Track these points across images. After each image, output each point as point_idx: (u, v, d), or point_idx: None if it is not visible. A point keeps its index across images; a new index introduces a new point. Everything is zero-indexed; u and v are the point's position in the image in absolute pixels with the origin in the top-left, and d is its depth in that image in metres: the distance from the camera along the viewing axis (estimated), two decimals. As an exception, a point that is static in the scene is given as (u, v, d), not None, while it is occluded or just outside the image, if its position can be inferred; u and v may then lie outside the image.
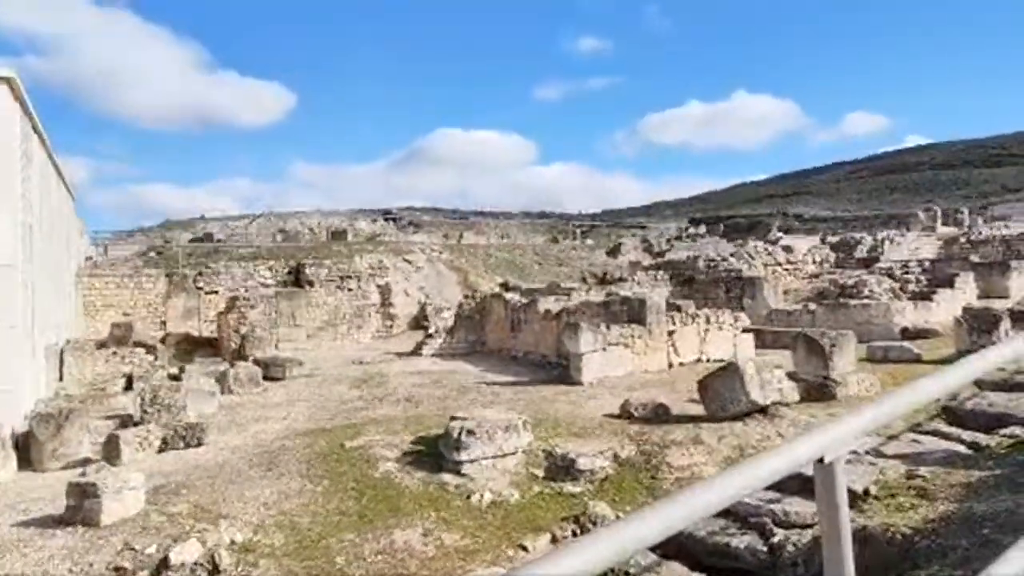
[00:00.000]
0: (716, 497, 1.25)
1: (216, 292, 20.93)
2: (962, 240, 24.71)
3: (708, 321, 14.03)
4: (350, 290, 20.72)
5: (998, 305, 17.31)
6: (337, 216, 60.65)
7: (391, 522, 6.38)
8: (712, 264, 21.74)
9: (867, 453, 7.65)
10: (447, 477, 7.30)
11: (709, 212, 79.43)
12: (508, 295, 18.78)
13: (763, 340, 15.67)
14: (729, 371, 8.55)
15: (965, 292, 17.14)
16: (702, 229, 69.40)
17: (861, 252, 24.18)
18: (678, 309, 17.80)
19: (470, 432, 7.37)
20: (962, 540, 4.00)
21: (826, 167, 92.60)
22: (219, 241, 30.54)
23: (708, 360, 13.63)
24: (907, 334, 15.74)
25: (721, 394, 8.69)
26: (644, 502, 6.94)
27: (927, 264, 19.65)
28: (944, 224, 31.71)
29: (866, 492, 6.18)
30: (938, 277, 18.20)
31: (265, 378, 13.72)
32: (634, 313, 13.74)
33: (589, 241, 63.76)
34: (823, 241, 28.85)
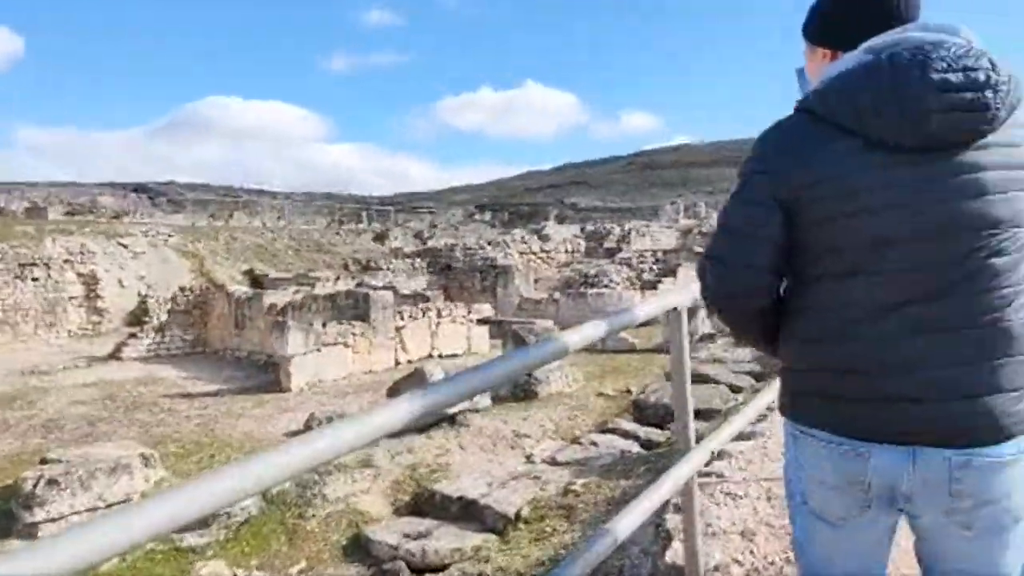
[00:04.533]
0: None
1: None
2: (695, 232, 27.09)
3: (440, 315, 13.29)
4: (35, 280, 16.98)
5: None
6: (76, 190, 51.91)
7: None
8: (470, 253, 21.32)
9: (543, 461, 7.22)
10: (17, 545, 5.46)
11: (501, 199, 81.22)
12: (233, 287, 16.58)
13: (504, 331, 15.41)
14: (415, 377, 7.68)
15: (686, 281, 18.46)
16: (488, 216, 70.57)
17: (611, 242, 25.40)
18: (426, 299, 16.98)
19: (52, 482, 5.58)
20: None
21: (603, 160, 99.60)
22: None
23: (440, 356, 12.90)
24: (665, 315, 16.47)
25: (408, 403, 7.82)
26: (277, 551, 5.73)
27: (660, 254, 20.97)
28: (686, 217, 34.88)
29: (517, 516, 5.52)
30: (668, 267, 19.39)
31: None
32: (359, 308, 12.53)
33: (375, 225, 61.48)
34: (582, 231, 30.03)
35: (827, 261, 1.18)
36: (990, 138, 1.10)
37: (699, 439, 2.23)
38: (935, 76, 1.07)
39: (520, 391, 9.27)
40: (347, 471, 6.73)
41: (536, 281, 20.48)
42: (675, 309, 2.04)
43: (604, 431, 7.90)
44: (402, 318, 12.70)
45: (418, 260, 21.59)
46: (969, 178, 1.10)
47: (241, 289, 16.20)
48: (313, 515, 6.10)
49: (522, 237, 22.64)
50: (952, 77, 1.07)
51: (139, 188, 64.77)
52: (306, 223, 55.33)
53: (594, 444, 7.40)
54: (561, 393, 9.43)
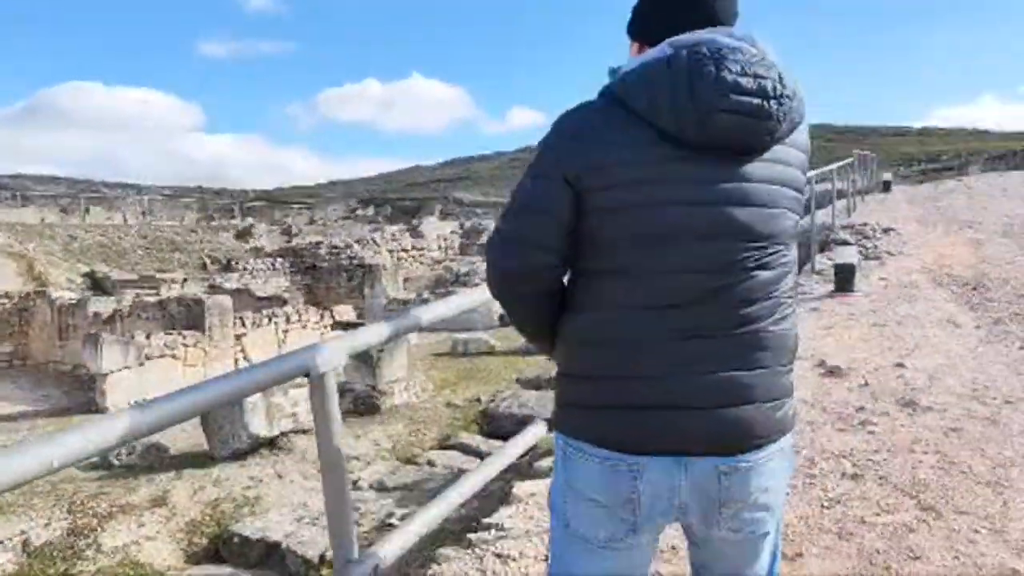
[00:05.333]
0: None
1: None
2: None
3: (289, 320, 12.33)
4: None
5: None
6: None
7: None
8: (336, 251, 20.25)
9: (370, 487, 6.64)
10: None
11: (387, 193, 79.20)
12: (57, 293, 14.71)
13: (365, 335, 14.63)
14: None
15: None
16: (371, 211, 68.62)
17: (487, 237, 25.10)
18: (283, 303, 15.83)
19: None
20: None
21: (490, 155, 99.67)
22: None
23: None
24: (504, 322, 16.19)
25: (223, 427, 6.95)
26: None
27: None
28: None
29: (322, 560, 4.92)
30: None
31: None
32: (192, 315, 11.35)
33: (250, 220, 58.10)
34: (462, 227, 29.54)
35: (602, 255, 1.16)
36: (767, 152, 1.13)
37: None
38: (728, 77, 1.09)
39: (361, 404, 8.62)
40: (132, 512, 5.83)
41: (406, 280, 19.78)
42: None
43: (446, 447, 7.43)
44: (243, 325, 11.64)
45: (279, 260, 20.24)
46: (742, 186, 1.12)
47: (65, 295, 14.39)
48: (81, 571, 5.18)
49: (392, 234, 21.81)
50: (744, 81, 1.09)
51: (-23, 180, 58.25)
52: (173, 219, 51.55)
53: (431, 464, 6.90)
54: (408, 405, 8.86)
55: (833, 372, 4.35)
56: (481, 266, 19.73)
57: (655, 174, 1.11)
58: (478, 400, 8.90)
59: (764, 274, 1.14)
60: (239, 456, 6.83)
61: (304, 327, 12.53)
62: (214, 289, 17.99)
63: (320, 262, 20.30)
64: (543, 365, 8.92)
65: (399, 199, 72.82)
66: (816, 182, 9.29)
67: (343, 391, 8.92)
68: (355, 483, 6.59)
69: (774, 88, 1.11)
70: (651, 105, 1.11)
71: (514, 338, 13.57)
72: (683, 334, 1.12)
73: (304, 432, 7.10)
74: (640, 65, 1.16)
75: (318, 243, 20.96)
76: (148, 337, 10.38)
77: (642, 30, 1.27)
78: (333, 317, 12.90)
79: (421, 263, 21.77)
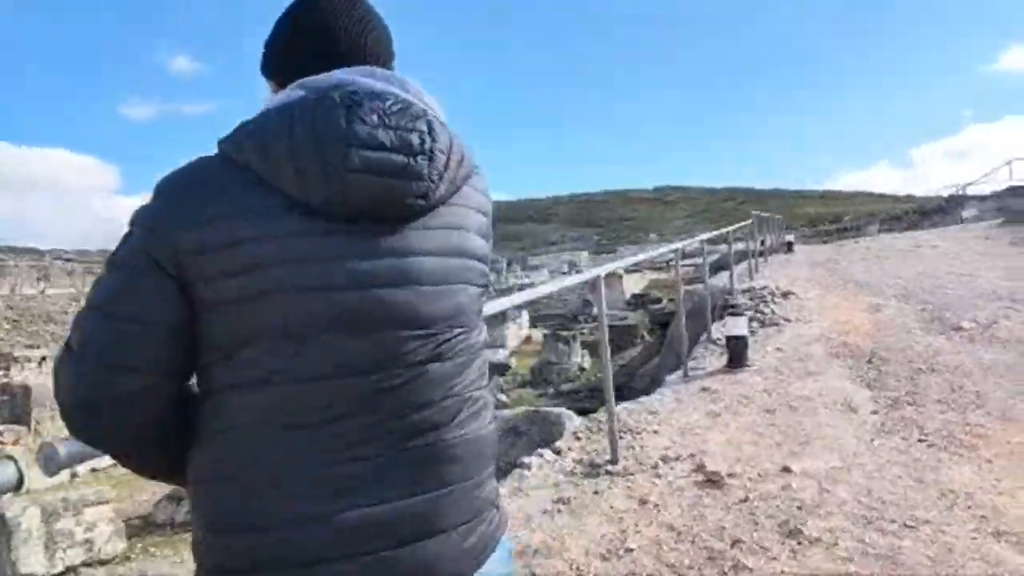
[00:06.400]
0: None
1: None
2: (491, 288, 26.77)
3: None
4: None
5: (496, 356, 18.22)
6: None
7: None
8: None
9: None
10: None
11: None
12: None
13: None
14: None
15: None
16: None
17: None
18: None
19: None
20: None
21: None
22: None
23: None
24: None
25: None
26: None
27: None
28: (485, 273, 34.74)
29: None
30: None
31: None
32: (16, 406, 9.78)
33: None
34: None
35: (228, 363, 0.89)
36: (430, 217, 0.95)
37: None
38: (361, 129, 0.90)
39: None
40: None
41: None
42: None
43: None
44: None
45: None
46: (399, 262, 0.92)
47: None
48: None
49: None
50: (381, 134, 0.91)
51: None
52: (72, 286, 48.59)
53: None
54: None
55: (713, 481, 3.61)
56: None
57: (286, 252, 0.88)
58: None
59: (439, 367, 0.94)
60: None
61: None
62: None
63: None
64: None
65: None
66: (706, 245, 8.89)
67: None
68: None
69: (421, 142, 0.93)
70: (272, 166, 0.88)
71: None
72: (340, 456, 0.88)
73: (105, 562, 5.73)
74: (262, 112, 0.95)
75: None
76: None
77: (274, 64, 1.07)
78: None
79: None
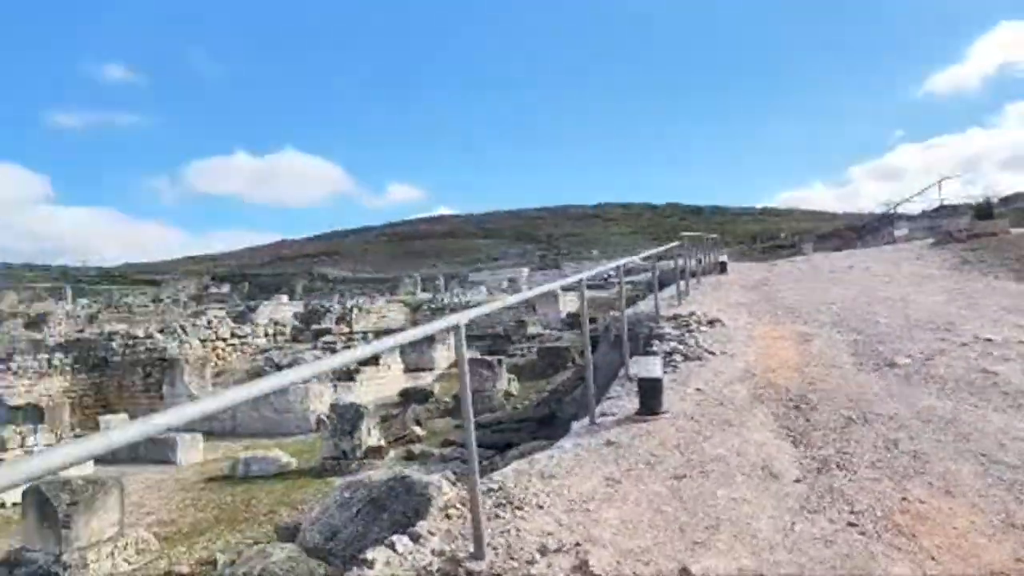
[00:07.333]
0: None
1: None
2: (425, 307, 25.63)
3: (4, 445, 9.47)
4: None
5: (422, 381, 17.18)
6: None
7: None
8: (133, 342, 17.19)
9: None
10: None
11: (247, 269, 74.34)
12: None
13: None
14: None
15: (391, 368, 16.46)
16: (226, 288, 63.97)
17: (329, 321, 22.79)
18: (41, 413, 12.85)
19: None
20: None
21: (358, 229, 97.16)
22: None
23: None
24: (323, 425, 13.95)
25: None
26: None
27: (371, 336, 18.81)
28: (424, 290, 33.57)
29: None
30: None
31: None
32: None
33: (83, 300, 52.27)
34: (306, 307, 27.00)
35: None
36: None
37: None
38: None
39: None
40: None
41: (219, 375, 17.04)
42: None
43: None
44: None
45: (59, 354, 16.85)
46: None
47: None
48: None
49: (208, 321, 18.99)
50: None
51: None
52: (-12, 299, 45.55)
53: None
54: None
55: (590, 592, 2.77)
56: (306, 355, 17.41)
57: None
58: (212, 565, 6.66)
59: None
60: None
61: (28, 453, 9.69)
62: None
63: (112, 355, 17.13)
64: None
65: (259, 275, 68.49)
66: (625, 270, 8.17)
67: (15, 564, 6.40)
68: None
69: None
70: None
71: (317, 449, 11.40)
72: None
73: None
74: None
75: (112, 333, 17.74)
76: None
77: None
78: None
79: (243, 352, 19.06)
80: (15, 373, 15.80)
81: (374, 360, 15.78)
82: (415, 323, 24.67)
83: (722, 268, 14.57)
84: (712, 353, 6.96)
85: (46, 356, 16.53)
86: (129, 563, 6.61)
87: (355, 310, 23.93)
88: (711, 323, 8.22)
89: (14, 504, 7.82)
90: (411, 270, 54.73)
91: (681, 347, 7.15)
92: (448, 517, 3.88)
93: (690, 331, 7.84)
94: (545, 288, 7.95)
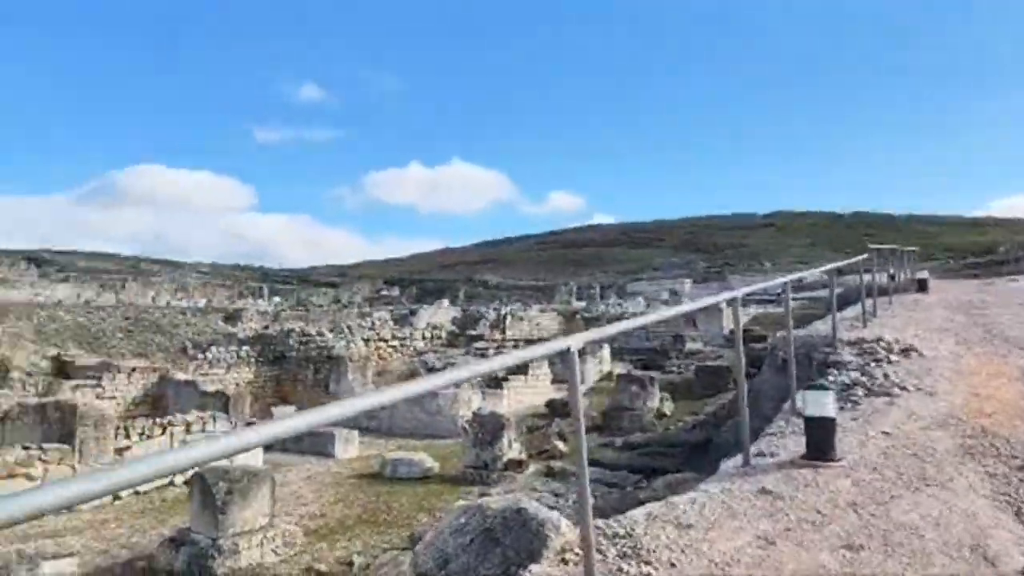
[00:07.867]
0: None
1: None
2: (578, 318, 25.23)
3: (190, 428, 10.46)
4: None
5: (559, 395, 16.68)
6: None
7: None
8: (305, 340, 18.58)
9: None
10: None
11: (414, 275, 78.92)
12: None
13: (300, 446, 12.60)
14: None
15: (539, 378, 16.21)
16: (395, 291, 68.27)
17: (484, 326, 23.18)
18: (227, 399, 14.15)
19: None
20: None
21: (521, 237, 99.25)
22: None
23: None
24: (471, 431, 14.02)
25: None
26: None
27: (522, 343, 18.77)
28: (579, 299, 33.21)
29: None
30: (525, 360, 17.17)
31: None
32: (66, 424, 9.59)
33: (276, 299, 58.12)
34: (464, 312, 27.79)
35: None
36: None
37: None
38: None
39: (199, 567, 6.54)
40: None
41: (379, 374, 17.87)
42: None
43: None
44: (128, 436, 9.81)
45: (247, 348, 18.65)
46: None
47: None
48: None
49: (372, 323, 20.06)
50: None
51: (32, 257, 61.15)
52: (205, 296, 51.99)
53: None
54: (261, 564, 6.73)
55: None
56: (459, 359, 17.72)
57: None
58: (349, 566, 6.70)
59: None
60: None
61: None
62: (163, 380, 16.42)
63: (289, 351, 18.64)
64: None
65: (423, 280, 72.25)
66: (795, 286, 7.14)
67: (180, 543, 6.87)
68: None
69: None
70: None
71: (459, 456, 11.37)
72: None
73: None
74: None
75: (290, 330, 19.36)
76: (-8, 451, 8.61)
77: None
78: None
79: (403, 353, 19.90)
80: (211, 363, 17.75)
81: (522, 369, 15.65)
82: (567, 332, 24.37)
83: (921, 286, 12.61)
84: (905, 389, 5.81)
85: (236, 349, 18.42)
86: (276, 554, 6.86)
87: (508, 317, 24.13)
88: (904, 352, 6.95)
89: (185, 483, 8.51)
90: (569, 278, 54.67)
91: (864, 379, 6.06)
92: (564, 562, 3.41)
93: (876, 360, 6.66)
94: (674, 311, 7.21)
